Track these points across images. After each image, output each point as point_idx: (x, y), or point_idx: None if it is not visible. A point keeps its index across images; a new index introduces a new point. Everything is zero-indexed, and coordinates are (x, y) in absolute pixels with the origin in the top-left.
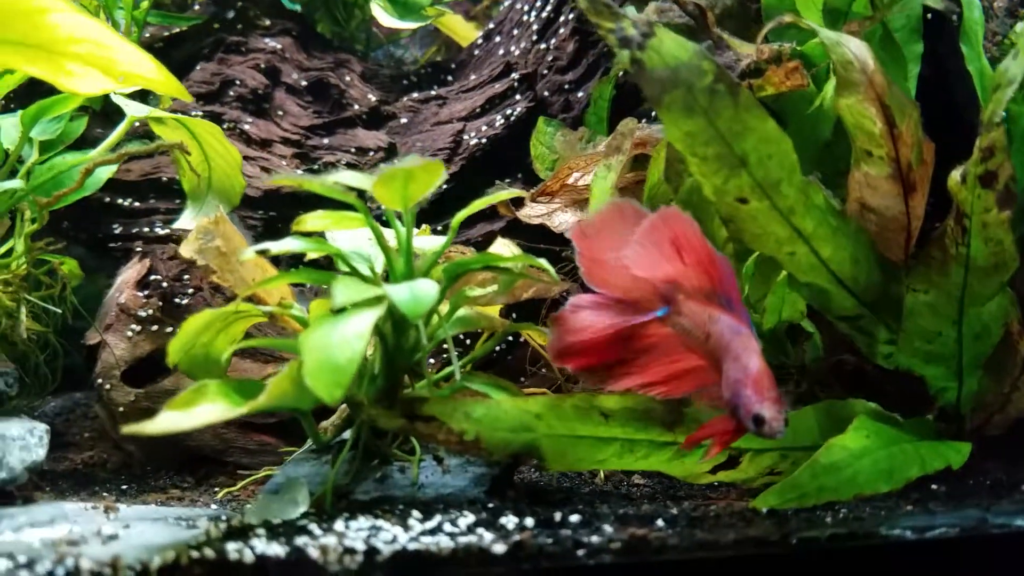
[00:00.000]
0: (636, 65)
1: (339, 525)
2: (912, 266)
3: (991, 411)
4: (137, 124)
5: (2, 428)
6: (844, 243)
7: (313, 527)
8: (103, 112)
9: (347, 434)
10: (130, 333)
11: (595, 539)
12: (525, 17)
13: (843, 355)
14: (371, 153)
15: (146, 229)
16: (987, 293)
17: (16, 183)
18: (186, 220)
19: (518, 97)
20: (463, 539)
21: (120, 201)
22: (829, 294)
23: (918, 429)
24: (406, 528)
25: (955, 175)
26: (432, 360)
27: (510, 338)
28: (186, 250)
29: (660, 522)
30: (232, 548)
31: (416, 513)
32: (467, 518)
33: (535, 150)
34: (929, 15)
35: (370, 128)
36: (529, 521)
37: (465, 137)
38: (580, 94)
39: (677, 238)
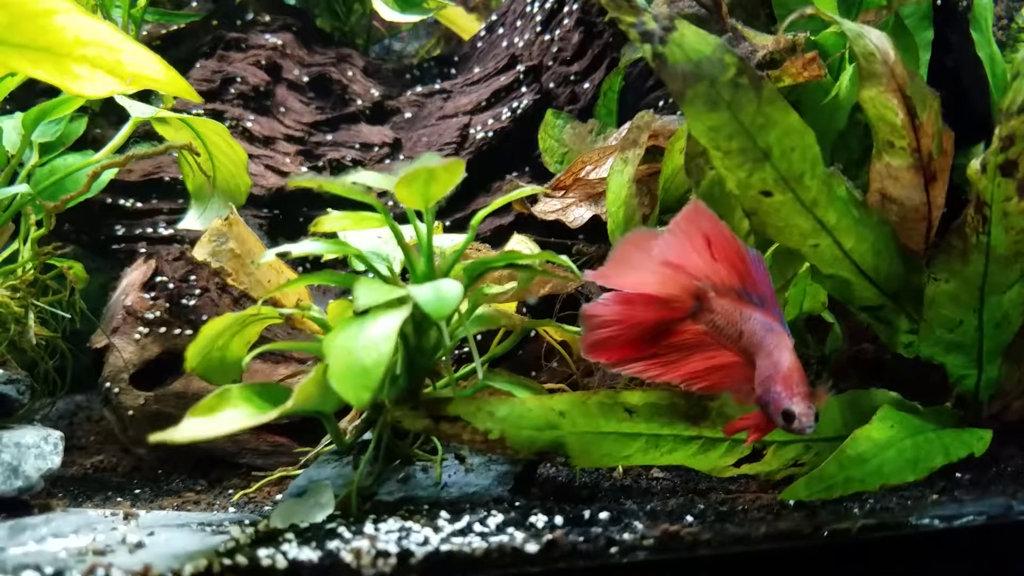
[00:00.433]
0: (658, 59)
1: (368, 528)
2: (933, 256)
3: (1010, 398)
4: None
5: (17, 436)
6: (866, 234)
7: (342, 530)
8: (102, 112)
9: (367, 435)
10: (137, 336)
11: (627, 536)
12: (528, 8)
13: (862, 345)
14: (376, 149)
15: (149, 230)
16: (1007, 281)
17: (23, 187)
18: (191, 221)
19: (524, 89)
20: (495, 539)
21: (122, 202)
22: (852, 285)
23: (938, 417)
24: (436, 529)
25: (975, 164)
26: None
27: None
28: (200, 252)
29: (689, 518)
30: (264, 554)
31: (444, 514)
32: (496, 517)
33: (544, 143)
34: (939, 1)
35: (374, 123)
36: (559, 519)
37: (471, 131)
38: (586, 85)
39: (707, 234)
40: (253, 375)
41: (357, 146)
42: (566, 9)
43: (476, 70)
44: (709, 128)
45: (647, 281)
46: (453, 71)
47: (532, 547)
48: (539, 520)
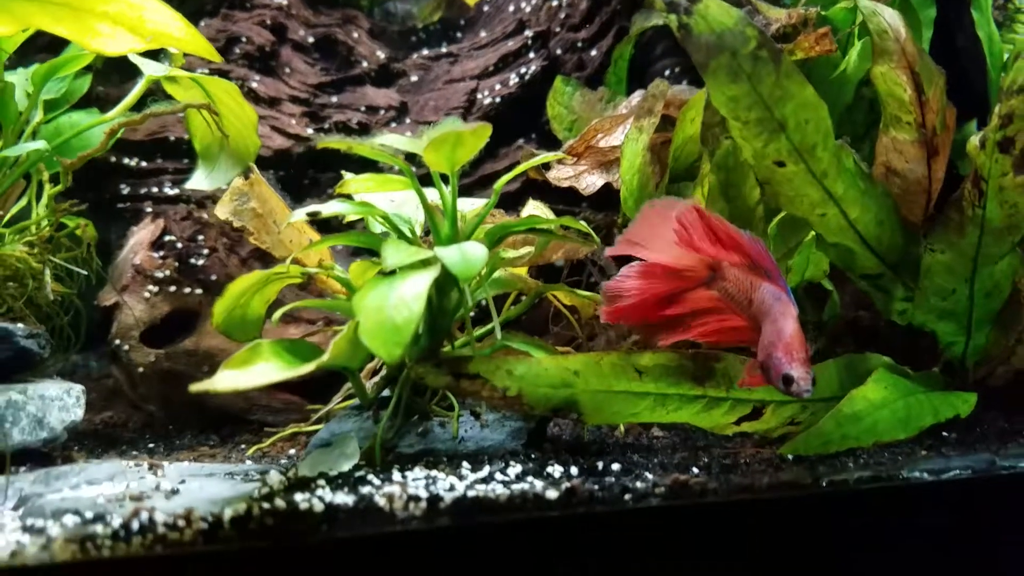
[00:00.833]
0: (683, 30)
1: (396, 476)
2: (930, 227)
3: (995, 364)
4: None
5: (41, 389)
6: (870, 205)
7: (371, 478)
8: (104, 69)
9: (386, 392)
10: (147, 294)
11: (640, 485)
12: None
13: (858, 312)
14: (382, 112)
15: (155, 189)
16: (1000, 253)
17: (39, 144)
18: (198, 181)
19: (532, 55)
20: (516, 487)
21: (127, 161)
22: (855, 254)
23: (928, 381)
24: (460, 478)
25: (974, 140)
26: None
27: (523, 298)
28: (221, 211)
29: (695, 469)
30: (300, 499)
31: (465, 464)
32: (515, 468)
33: (552, 110)
34: None
35: (379, 86)
36: (574, 470)
37: (479, 96)
38: (593, 52)
39: (711, 226)
40: (265, 334)
41: (363, 109)
42: None
43: (483, 34)
44: (729, 98)
45: (665, 250)
46: (459, 35)
47: (552, 493)
48: (556, 470)
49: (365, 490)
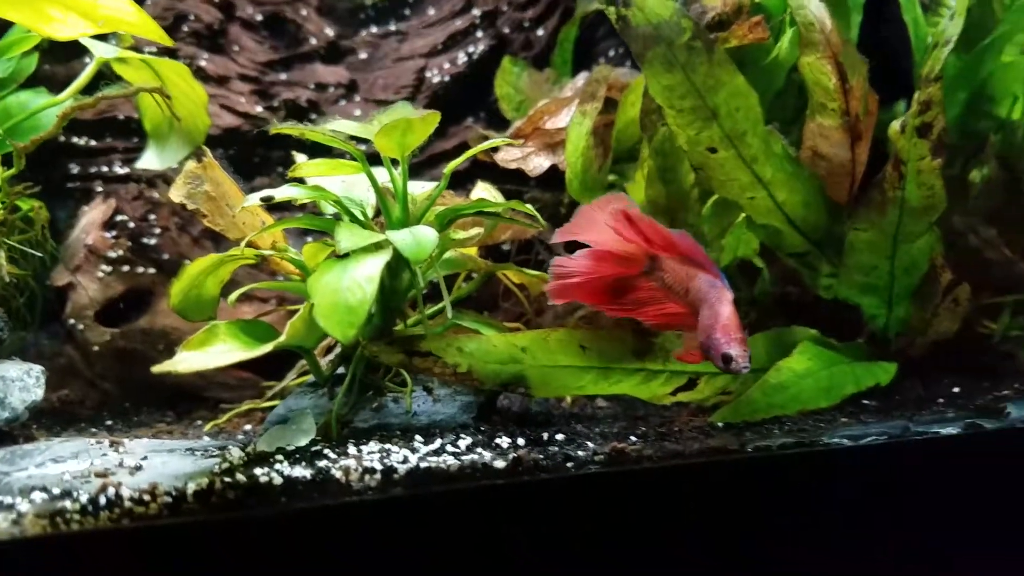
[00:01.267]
0: (622, 21)
1: (351, 449)
2: (854, 207)
3: (914, 335)
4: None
5: (2, 370)
6: (797, 187)
7: (327, 452)
8: (50, 49)
9: (341, 369)
10: (100, 274)
11: (581, 453)
12: None
13: (787, 288)
14: (331, 89)
15: (105, 168)
16: (918, 231)
17: None
18: (149, 160)
19: (480, 34)
20: (466, 457)
21: (75, 140)
22: (782, 234)
23: (851, 352)
24: (413, 450)
25: (895, 125)
26: None
27: (474, 276)
28: (175, 194)
29: (633, 437)
30: (260, 473)
31: (418, 437)
32: (465, 440)
33: (500, 90)
34: None
35: (328, 63)
36: (520, 441)
37: (428, 75)
38: (540, 32)
39: (641, 229)
40: (219, 314)
41: (312, 86)
42: None
43: (431, 12)
44: (665, 87)
45: (608, 239)
46: (407, 12)
47: (500, 463)
48: (503, 441)
49: (322, 463)
